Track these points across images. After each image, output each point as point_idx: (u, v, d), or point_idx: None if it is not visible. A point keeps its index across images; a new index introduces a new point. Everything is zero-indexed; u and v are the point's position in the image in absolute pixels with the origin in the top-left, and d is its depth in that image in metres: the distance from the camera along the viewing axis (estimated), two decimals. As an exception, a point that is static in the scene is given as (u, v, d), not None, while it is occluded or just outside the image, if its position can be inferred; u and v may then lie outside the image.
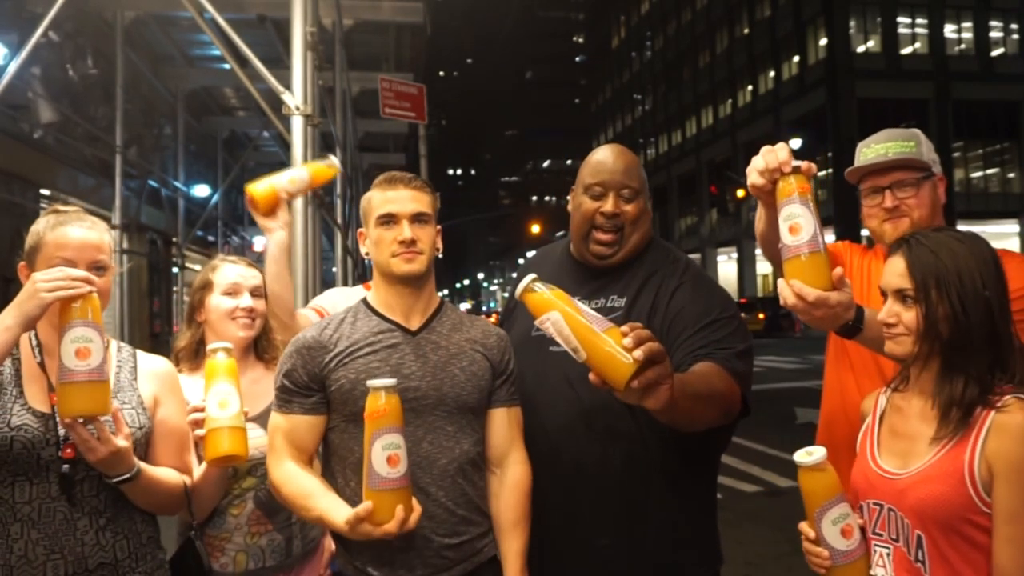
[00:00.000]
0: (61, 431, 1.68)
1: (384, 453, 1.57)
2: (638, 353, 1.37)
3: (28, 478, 1.67)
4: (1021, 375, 1.47)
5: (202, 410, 1.88)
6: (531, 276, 1.57)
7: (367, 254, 1.88)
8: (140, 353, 1.93)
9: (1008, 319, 1.49)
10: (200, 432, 1.88)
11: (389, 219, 1.81)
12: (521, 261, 13.11)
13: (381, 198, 1.84)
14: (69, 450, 1.67)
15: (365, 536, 1.60)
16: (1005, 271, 1.52)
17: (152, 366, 1.90)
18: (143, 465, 1.74)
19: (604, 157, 2.03)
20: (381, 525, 1.58)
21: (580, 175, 2.06)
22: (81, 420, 1.60)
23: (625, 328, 1.41)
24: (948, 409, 1.46)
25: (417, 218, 1.82)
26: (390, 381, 1.61)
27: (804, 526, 1.56)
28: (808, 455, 1.51)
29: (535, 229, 29.57)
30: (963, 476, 1.41)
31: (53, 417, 1.69)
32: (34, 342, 1.78)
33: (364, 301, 1.90)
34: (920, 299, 1.48)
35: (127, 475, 1.69)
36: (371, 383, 1.61)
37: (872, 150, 2.02)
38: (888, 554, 1.49)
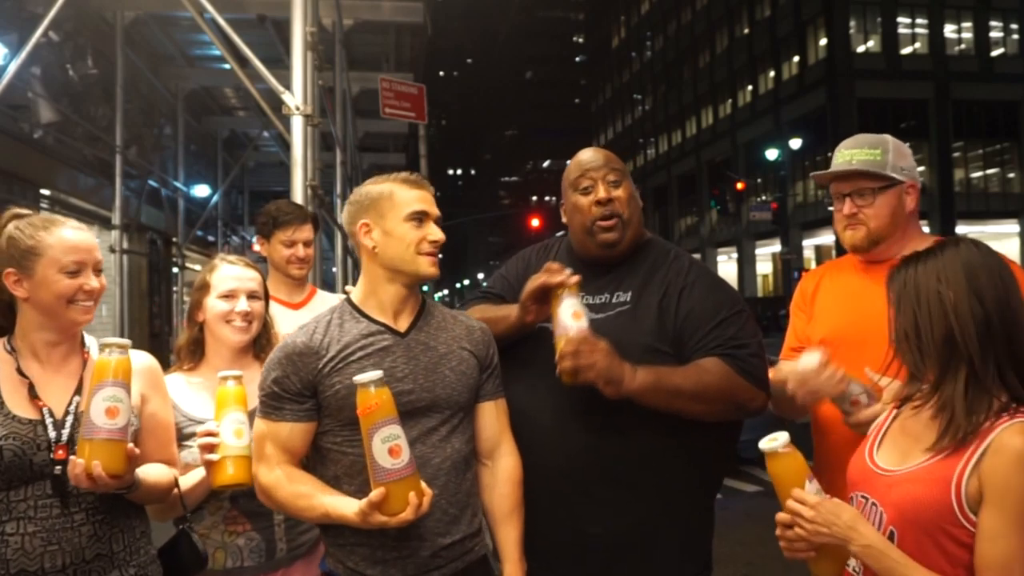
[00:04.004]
0: (51, 434, 1.70)
1: (385, 446, 1.58)
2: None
3: (24, 481, 1.68)
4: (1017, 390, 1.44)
5: (215, 435, 1.89)
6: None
7: (374, 248, 1.83)
8: None
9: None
10: (212, 457, 1.89)
11: (422, 216, 1.82)
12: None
13: (411, 195, 1.83)
14: (60, 452, 1.69)
15: (380, 526, 1.62)
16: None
17: (136, 363, 1.88)
18: (141, 474, 1.75)
19: (581, 156, 2.13)
20: (396, 515, 1.60)
21: (564, 182, 2.12)
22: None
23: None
24: (958, 420, 1.42)
25: (438, 222, 1.87)
26: (376, 374, 1.63)
27: (782, 516, 1.51)
28: (773, 440, 1.53)
29: (535, 223, 29.52)
30: (949, 485, 1.39)
31: (43, 422, 1.70)
32: (8, 347, 1.78)
33: (348, 301, 1.89)
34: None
35: (126, 488, 1.71)
36: (357, 379, 1.62)
37: (841, 155, 2.03)
38: None
